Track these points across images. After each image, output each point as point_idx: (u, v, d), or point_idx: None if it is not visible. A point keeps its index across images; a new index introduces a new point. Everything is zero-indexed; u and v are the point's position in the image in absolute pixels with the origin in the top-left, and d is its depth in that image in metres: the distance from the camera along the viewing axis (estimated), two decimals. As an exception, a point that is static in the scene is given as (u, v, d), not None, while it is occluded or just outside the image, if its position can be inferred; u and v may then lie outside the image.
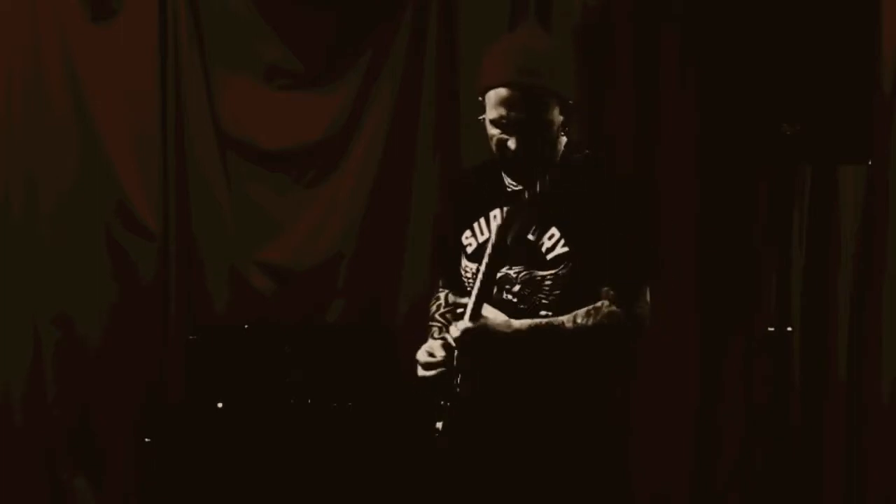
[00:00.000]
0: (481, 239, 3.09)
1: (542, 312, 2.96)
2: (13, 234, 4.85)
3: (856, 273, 4.72)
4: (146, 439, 4.65)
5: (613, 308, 2.91)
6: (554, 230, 2.98)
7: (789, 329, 4.36)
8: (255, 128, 4.98)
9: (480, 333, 2.94)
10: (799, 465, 4.65)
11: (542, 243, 2.98)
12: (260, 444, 4.40)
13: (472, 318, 2.94)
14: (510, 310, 2.99)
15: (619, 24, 4.81)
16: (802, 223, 4.73)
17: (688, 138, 4.73)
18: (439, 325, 3.22)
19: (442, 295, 3.29)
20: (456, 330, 2.95)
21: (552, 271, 2.98)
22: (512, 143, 2.97)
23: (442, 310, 3.26)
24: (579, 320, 2.92)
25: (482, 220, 3.11)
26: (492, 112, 2.98)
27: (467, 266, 3.12)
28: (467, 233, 3.13)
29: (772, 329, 4.33)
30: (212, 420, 4.43)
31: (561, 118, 3.00)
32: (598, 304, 2.92)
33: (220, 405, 4.43)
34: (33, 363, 4.88)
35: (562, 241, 2.97)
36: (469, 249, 3.12)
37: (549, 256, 2.98)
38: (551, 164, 3.01)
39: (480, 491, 3.05)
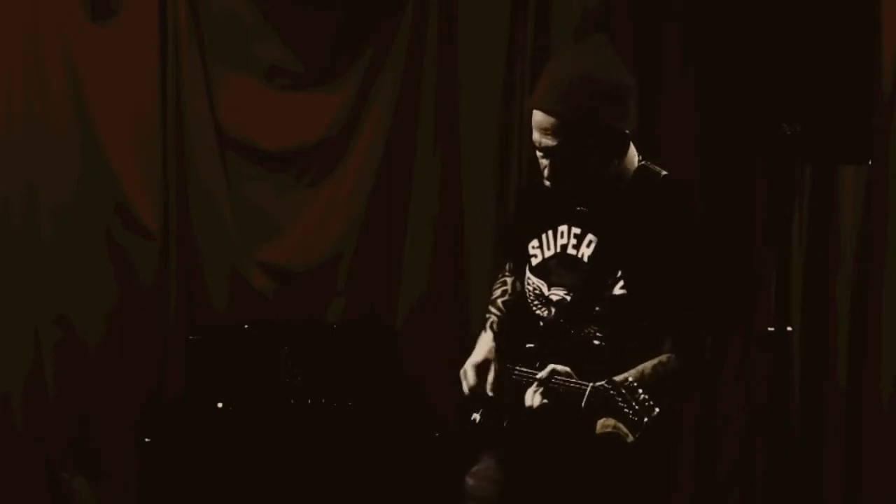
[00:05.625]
0: (547, 254, 3.04)
1: (595, 342, 2.91)
2: (14, 234, 4.85)
3: (856, 273, 4.71)
4: (146, 439, 4.65)
5: (678, 363, 2.85)
6: (615, 269, 2.92)
7: (789, 329, 4.35)
8: (255, 128, 4.98)
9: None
10: (799, 465, 4.64)
11: (602, 279, 2.93)
12: (260, 444, 4.40)
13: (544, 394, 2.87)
14: (560, 333, 2.96)
15: (620, 25, 4.80)
16: (802, 223, 4.72)
17: (688, 138, 4.73)
18: (497, 316, 3.16)
19: (509, 280, 3.22)
20: (531, 398, 2.88)
21: (608, 303, 2.93)
22: (546, 170, 2.94)
23: (506, 297, 3.19)
24: (646, 378, 2.81)
25: (550, 233, 3.05)
26: (533, 133, 2.93)
27: (530, 278, 3.08)
28: (535, 242, 3.08)
29: (772, 329, 4.32)
30: (212, 420, 4.43)
31: (611, 146, 2.93)
32: (664, 358, 2.85)
33: (219, 405, 4.43)
34: (33, 363, 4.88)
35: (620, 282, 2.91)
36: (534, 261, 3.07)
37: (606, 294, 2.93)
38: (604, 191, 2.96)
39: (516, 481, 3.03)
